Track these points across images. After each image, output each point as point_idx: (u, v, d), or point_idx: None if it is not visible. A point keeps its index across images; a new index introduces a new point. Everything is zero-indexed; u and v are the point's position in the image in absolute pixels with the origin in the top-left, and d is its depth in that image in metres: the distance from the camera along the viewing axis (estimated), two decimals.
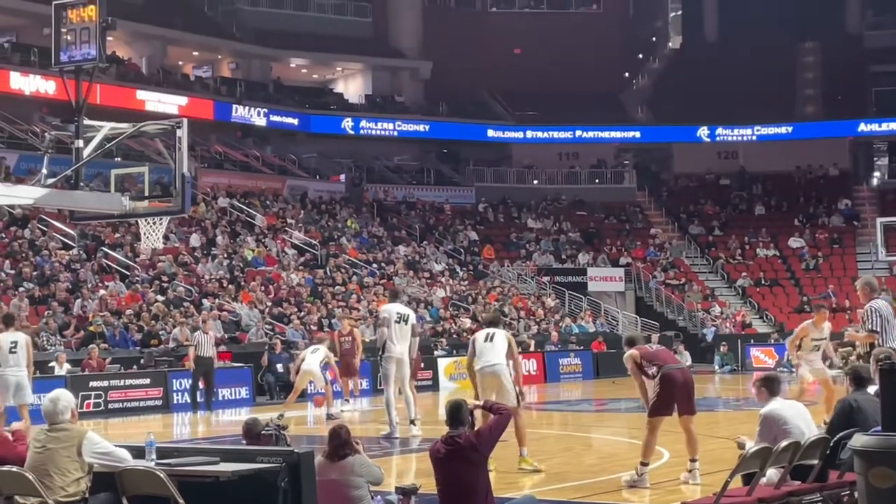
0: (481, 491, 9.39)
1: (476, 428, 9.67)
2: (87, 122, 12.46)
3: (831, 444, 9.13)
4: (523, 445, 14.25)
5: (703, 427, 19.87)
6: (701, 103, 51.02)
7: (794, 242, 47.48)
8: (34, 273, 29.80)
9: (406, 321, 18.22)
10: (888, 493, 7.47)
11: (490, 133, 52.17)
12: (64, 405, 8.42)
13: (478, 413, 10.68)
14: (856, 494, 8.54)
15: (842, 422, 9.41)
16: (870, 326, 12.69)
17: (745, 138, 52.57)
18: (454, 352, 32.74)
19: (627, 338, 13.89)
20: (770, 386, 9.68)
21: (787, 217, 49.83)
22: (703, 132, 52.07)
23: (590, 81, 52.59)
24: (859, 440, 7.81)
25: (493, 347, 14.55)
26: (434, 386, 30.91)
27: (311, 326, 31.94)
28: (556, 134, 52.31)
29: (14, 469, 8.16)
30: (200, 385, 24.95)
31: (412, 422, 18.18)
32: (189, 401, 25.10)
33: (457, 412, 9.65)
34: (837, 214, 49.48)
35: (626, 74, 60.71)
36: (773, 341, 38.32)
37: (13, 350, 17.06)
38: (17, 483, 8.08)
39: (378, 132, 49.69)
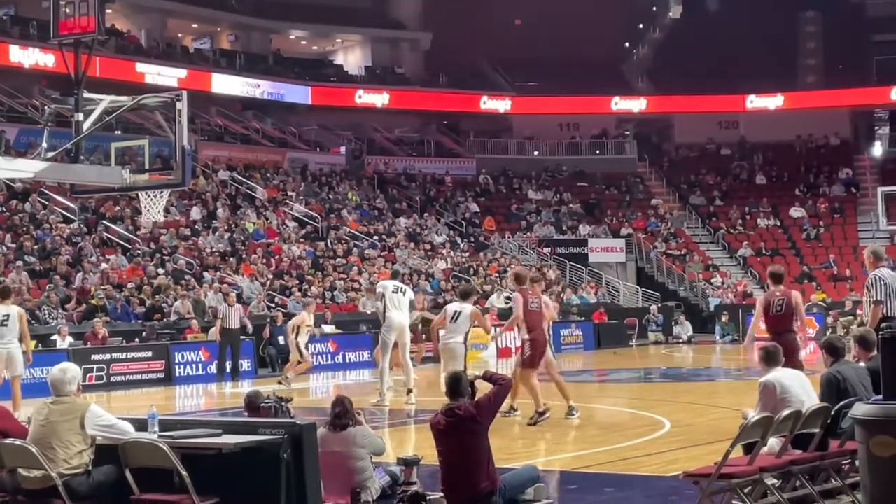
0: (483, 461, 9.42)
1: (476, 399, 9.68)
2: (86, 95, 12.45)
3: (832, 413, 9.14)
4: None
5: (704, 396, 19.98)
6: (701, 73, 50.88)
7: (795, 212, 47.45)
8: (35, 247, 29.80)
9: (404, 293, 18.80)
10: (889, 461, 7.48)
11: (490, 104, 52.09)
12: (72, 376, 8.47)
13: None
14: (857, 463, 8.56)
15: (832, 395, 9.43)
16: (875, 296, 12.59)
17: (745, 107, 52.54)
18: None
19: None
20: (768, 357, 9.69)
21: (787, 187, 49.79)
22: (702, 102, 52.01)
23: (590, 51, 52.41)
24: (860, 409, 7.81)
25: (457, 326, 16.60)
26: (436, 358, 30.88)
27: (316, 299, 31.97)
28: (556, 104, 52.20)
29: (17, 442, 8.18)
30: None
31: (409, 391, 18.38)
32: (216, 371, 25.58)
33: (456, 384, 9.67)
34: (838, 184, 49.42)
35: (627, 45, 60.52)
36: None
37: (4, 323, 17.11)
38: (21, 456, 8.10)
39: (378, 103, 49.61)
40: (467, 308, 16.95)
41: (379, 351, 19.72)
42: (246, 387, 23.88)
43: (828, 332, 30.05)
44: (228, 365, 25.56)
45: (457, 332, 16.71)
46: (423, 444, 11.02)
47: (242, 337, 26.08)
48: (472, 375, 10.36)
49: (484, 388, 9.89)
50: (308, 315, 23.11)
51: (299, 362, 23.15)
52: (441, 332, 17.45)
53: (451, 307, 17.24)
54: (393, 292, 18.64)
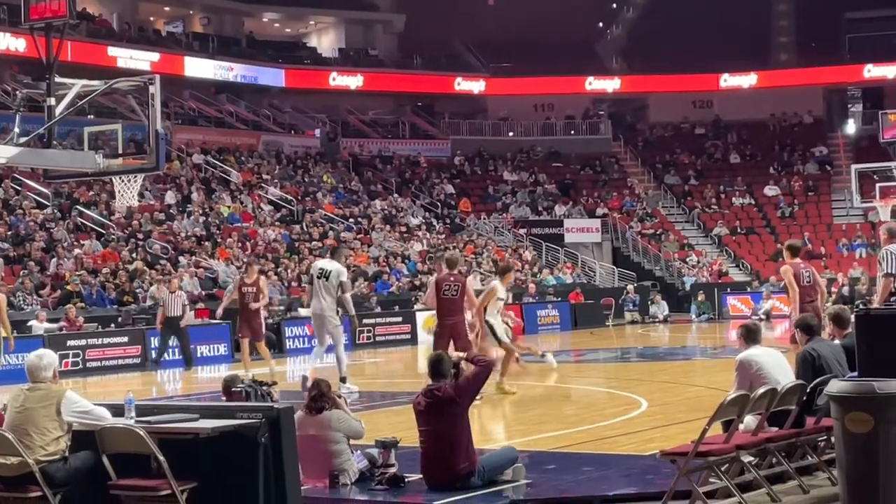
0: (462, 442, 9.44)
1: (457, 380, 9.70)
2: (58, 79, 12.37)
3: (808, 390, 9.19)
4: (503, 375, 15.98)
5: (680, 375, 20.05)
6: (675, 52, 50.93)
7: (770, 190, 47.63)
8: (9, 233, 29.65)
9: (327, 277, 17.31)
10: (864, 437, 7.53)
11: (464, 85, 52.05)
12: (48, 362, 8.44)
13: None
14: (832, 440, 8.61)
15: (807, 372, 9.49)
16: (886, 269, 12.89)
17: (718, 86, 52.70)
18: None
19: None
20: (749, 334, 9.74)
21: (762, 165, 49.95)
22: (676, 81, 52.10)
23: (564, 32, 52.35)
24: (835, 385, 7.86)
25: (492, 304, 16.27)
26: (413, 340, 30.99)
27: (291, 282, 31.96)
28: (530, 85, 52.19)
29: None
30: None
31: (342, 380, 17.95)
32: (154, 358, 24.86)
33: (438, 365, 9.70)
34: (812, 162, 49.60)
35: (601, 24, 60.49)
36: (749, 290, 38.52)
37: None
38: None
39: (352, 86, 49.49)
40: (497, 283, 16.81)
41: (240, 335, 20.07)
42: (205, 373, 23.90)
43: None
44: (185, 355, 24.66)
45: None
46: (402, 426, 11.02)
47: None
48: (457, 357, 10.39)
49: (468, 369, 9.93)
50: (501, 285, 17.10)
51: (517, 356, 18.67)
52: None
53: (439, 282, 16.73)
54: (317, 277, 17.38)
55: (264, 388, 10.43)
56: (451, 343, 15.78)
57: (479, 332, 16.53)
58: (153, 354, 25.20)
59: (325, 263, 17.86)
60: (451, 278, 16.24)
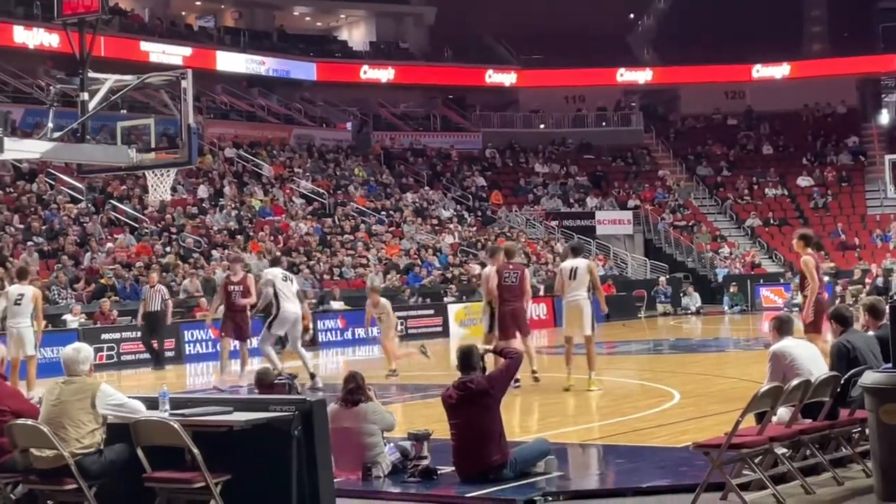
0: (495, 434, 9.45)
1: (488, 372, 9.71)
2: (91, 74, 12.46)
3: (842, 382, 9.15)
4: (592, 369, 16.12)
5: (713, 366, 20.00)
6: (707, 42, 50.69)
7: (803, 181, 47.37)
8: (43, 227, 29.84)
9: (292, 281, 18.12)
10: None
11: (495, 77, 52.02)
12: (85, 356, 8.49)
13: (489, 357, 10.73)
14: (866, 431, 8.58)
15: (842, 364, 9.44)
16: None
17: (751, 77, 52.45)
18: (463, 298, 32.82)
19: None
20: (782, 326, 9.70)
21: (795, 156, 49.67)
22: (708, 72, 51.89)
23: (595, 23, 52.18)
24: (870, 377, 7.82)
25: (577, 282, 16.22)
26: (444, 332, 31.00)
27: (323, 276, 32.06)
28: (561, 77, 52.10)
29: (29, 422, 8.21)
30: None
31: (312, 376, 17.74)
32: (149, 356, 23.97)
33: (468, 357, 9.71)
34: (845, 152, 49.28)
35: (632, 16, 60.26)
36: (782, 281, 38.36)
37: (18, 302, 17.29)
38: (33, 436, 8.13)
39: (383, 79, 49.54)
40: (582, 263, 16.63)
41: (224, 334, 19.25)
42: (256, 364, 23.92)
43: (837, 301, 30.04)
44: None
45: (579, 287, 16.29)
46: (434, 418, 11.04)
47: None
48: (483, 349, 10.40)
49: (494, 362, 9.93)
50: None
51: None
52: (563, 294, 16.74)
53: (566, 265, 16.64)
54: (283, 280, 17.77)
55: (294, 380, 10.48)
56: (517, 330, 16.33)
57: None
58: (186, 349, 25.32)
59: (282, 271, 18.34)
60: (511, 266, 16.55)
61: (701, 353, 23.86)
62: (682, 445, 10.54)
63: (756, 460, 8.59)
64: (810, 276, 14.16)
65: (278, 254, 22.13)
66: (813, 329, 13.98)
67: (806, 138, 51.07)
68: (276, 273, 17.91)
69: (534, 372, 16.71)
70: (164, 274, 28.28)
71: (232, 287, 19.40)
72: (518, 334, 16.30)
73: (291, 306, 17.70)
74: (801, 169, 48.28)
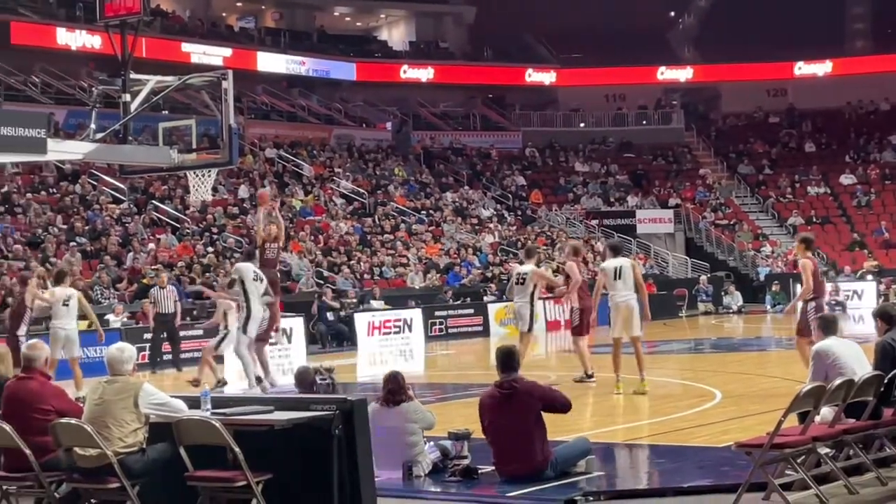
0: (537, 434, 9.41)
1: (541, 385, 9.74)
2: (133, 75, 12.53)
3: (885, 381, 9.08)
4: (643, 370, 15.95)
5: (755, 366, 19.89)
6: (748, 40, 50.43)
7: (846, 179, 47.01)
8: (86, 228, 30.06)
9: (262, 281, 17.08)
10: None
11: (535, 76, 51.95)
12: (128, 355, 8.55)
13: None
14: None
15: (885, 363, 9.36)
16: None
17: (793, 74, 52.14)
18: (503, 297, 32.77)
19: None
20: (825, 325, 9.64)
21: (837, 154, 49.31)
22: (749, 70, 51.61)
23: (635, 21, 52.04)
24: None
25: (623, 282, 15.99)
26: (485, 331, 30.97)
27: (363, 275, 32.11)
28: (601, 75, 51.99)
29: (72, 421, 8.27)
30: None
31: (220, 382, 17.65)
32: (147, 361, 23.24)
33: (508, 358, 9.70)
34: (889, 150, 48.84)
35: (672, 13, 60.07)
36: (825, 280, 38.00)
37: (66, 304, 17.56)
38: (76, 435, 8.19)
39: (423, 78, 49.60)
40: (626, 262, 16.35)
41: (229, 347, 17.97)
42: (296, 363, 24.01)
43: (881, 300, 29.81)
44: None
45: (627, 287, 15.99)
46: (472, 418, 11.04)
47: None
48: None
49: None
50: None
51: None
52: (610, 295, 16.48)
53: (609, 265, 16.25)
54: (253, 279, 16.99)
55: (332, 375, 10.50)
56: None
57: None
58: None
59: (255, 267, 17.43)
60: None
61: (742, 353, 23.74)
62: (724, 445, 10.49)
63: (799, 460, 8.54)
64: (805, 280, 14.53)
65: (252, 248, 20.46)
66: (799, 333, 14.58)
67: (849, 136, 50.67)
68: (247, 270, 17.10)
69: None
70: (205, 274, 28.45)
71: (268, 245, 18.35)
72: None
73: (258, 307, 17.03)
74: (843, 167, 47.90)
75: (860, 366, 9.22)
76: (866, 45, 54.25)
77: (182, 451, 8.14)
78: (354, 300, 29.46)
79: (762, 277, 40.34)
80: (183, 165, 13.21)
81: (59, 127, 31.41)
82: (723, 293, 38.09)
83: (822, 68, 52.23)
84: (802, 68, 52.37)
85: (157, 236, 30.79)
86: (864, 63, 52.05)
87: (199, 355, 24.07)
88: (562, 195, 46.45)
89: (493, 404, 9.58)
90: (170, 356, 23.69)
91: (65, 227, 29.79)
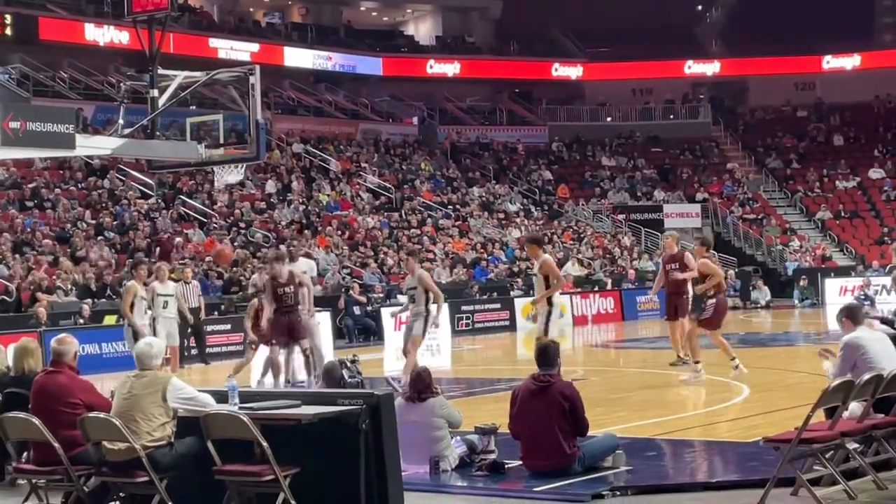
0: (566, 429, 9.39)
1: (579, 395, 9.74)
2: (161, 71, 12.58)
3: None
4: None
5: (783, 360, 19.81)
6: (775, 34, 50.21)
7: (875, 173, 46.74)
8: (114, 223, 30.18)
9: None
10: None
11: (561, 71, 51.87)
12: (157, 350, 8.62)
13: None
14: None
15: None
16: None
17: (821, 68, 51.89)
18: (530, 292, 32.70)
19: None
20: (852, 315, 9.54)
21: (866, 148, 49.04)
22: (777, 63, 51.36)
23: (662, 15, 51.90)
24: None
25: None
26: (511, 326, 30.95)
27: (391, 270, 32.12)
28: (628, 70, 51.86)
29: (101, 415, 8.31)
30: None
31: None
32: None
33: (545, 353, 9.72)
34: None
35: (699, 7, 59.86)
36: (853, 274, 37.88)
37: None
38: (105, 429, 8.23)
39: (449, 73, 49.58)
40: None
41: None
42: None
43: None
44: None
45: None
46: (499, 412, 11.04)
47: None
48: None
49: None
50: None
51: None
52: None
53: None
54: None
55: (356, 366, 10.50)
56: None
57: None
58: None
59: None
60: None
61: (770, 348, 23.65)
62: (753, 440, 10.45)
63: (827, 455, 8.50)
64: (714, 273, 16.04)
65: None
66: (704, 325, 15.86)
67: (877, 129, 50.37)
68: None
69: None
70: (233, 269, 28.53)
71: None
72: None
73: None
74: (872, 161, 47.63)
75: (890, 360, 9.14)
76: (895, 38, 53.89)
77: (210, 446, 8.17)
78: (381, 295, 29.47)
79: (790, 272, 40.17)
80: (211, 160, 13.27)
81: (88, 122, 31.56)
82: (751, 288, 37.94)
83: (851, 62, 51.90)
84: (831, 62, 52.06)
85: (185, 231, 30.90)
86: (893, 56, 51.67)
87: (226, 350, 24.39)
88: (588, 189, 46.37)
89: (526, 394, 9.60)
90: (196, 351, 23.68)
91: (93, 221, 29.93)
